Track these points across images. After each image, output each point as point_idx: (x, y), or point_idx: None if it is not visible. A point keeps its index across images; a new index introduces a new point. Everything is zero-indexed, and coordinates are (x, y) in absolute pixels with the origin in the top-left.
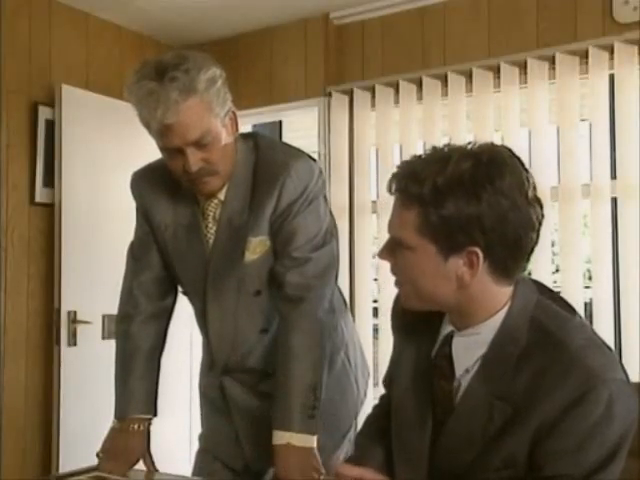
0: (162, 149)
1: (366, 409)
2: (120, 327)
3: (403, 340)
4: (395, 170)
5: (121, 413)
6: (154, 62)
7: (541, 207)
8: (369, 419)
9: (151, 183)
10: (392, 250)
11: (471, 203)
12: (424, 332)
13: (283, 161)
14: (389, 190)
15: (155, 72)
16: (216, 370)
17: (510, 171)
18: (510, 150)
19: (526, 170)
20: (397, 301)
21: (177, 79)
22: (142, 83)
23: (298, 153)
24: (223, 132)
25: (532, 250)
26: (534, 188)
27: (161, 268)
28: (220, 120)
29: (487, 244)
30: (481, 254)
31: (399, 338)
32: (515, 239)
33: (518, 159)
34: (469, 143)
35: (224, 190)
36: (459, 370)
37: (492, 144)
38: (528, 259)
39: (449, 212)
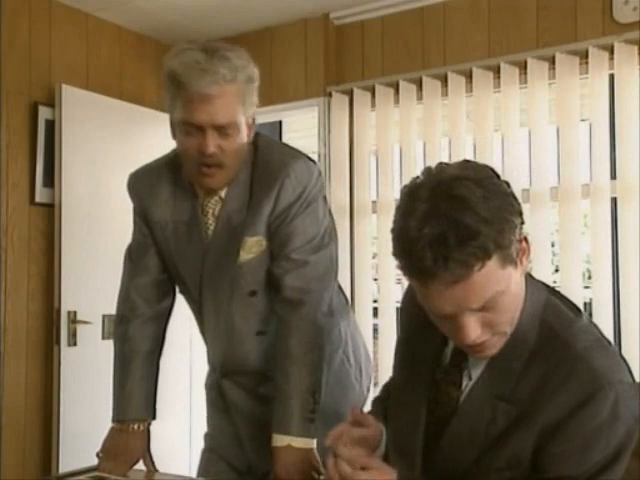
0: (183, 123)
1: (362, 408)
2: (118, 330)
3: (411, 335)
4: (417, 257)
5: (119, 416)
6: (200, 43)
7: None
8: (375, 400)
9: (148, 183)
10: (478, 319)
11: (504, 199)
12: (434, 332)
13: (282, 162)
14: (436, 274)
15: (204, 49)
16: (215, 371)
17: (476, 163)
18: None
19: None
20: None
21: (229, 59)
22: (189, 53)
23: (297, 154)
24: (244, 130)
25: None
26: None
27: (159, 271)
28: (245, 118)
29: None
30: (525, 235)
31: (407, 333)
32: None
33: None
34: (426, 172)
35: (225, 188)
36: (475, 374)
37: (447, 164)
38: None
39: (509, 222)
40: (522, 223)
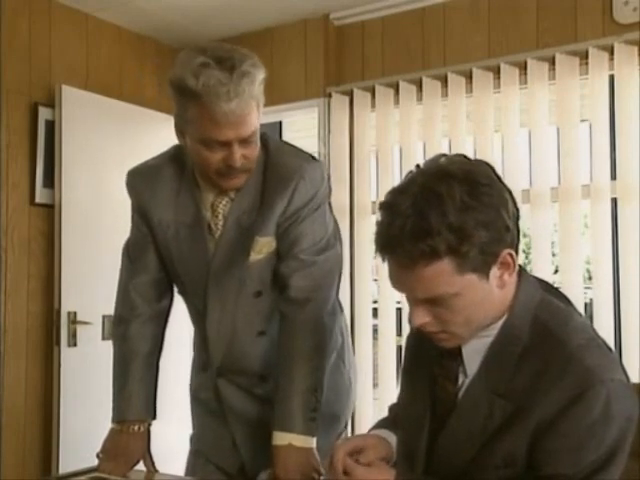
0: (206, 140)
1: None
2: (117, 330)
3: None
4: (381, 232)
5: (119, 417)
6: (210, 52)
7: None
8: (391, 407)
9: (148, 181)
10: (428, 309)
11: (487, 213)
12: None
13: (296, 164)
14: (388, 254)
15: (219, 61)
16: (211, 371)
17: (486, 168)
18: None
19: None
20: None
21: (249, 74)
22: (208, 72)
23: (308, 156)
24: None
25: None
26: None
27: (158, 270)
28: (258, 121)
29: (513, 241)
30: (512, 251)
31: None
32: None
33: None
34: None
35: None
36: (470, 371)
37: (444, 156)
38: None
39: (478, 234)
40: (505, 241)
